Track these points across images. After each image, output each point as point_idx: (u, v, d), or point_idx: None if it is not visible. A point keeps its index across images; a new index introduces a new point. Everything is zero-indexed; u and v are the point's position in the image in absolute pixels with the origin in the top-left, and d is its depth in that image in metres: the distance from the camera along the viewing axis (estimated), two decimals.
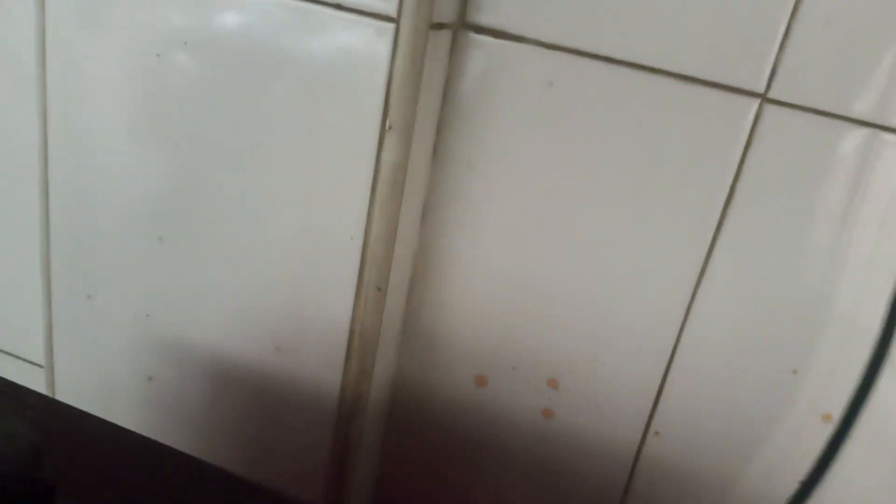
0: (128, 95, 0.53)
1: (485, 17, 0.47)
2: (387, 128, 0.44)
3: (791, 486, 0.52)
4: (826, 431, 0.50)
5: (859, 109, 0.43)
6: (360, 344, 0.52)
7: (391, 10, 0.43)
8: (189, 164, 0.53)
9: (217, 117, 0.51)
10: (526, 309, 0.53)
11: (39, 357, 0.65)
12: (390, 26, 0.43)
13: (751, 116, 0.44)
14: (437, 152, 0.51)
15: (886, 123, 0.43)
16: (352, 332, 0.52)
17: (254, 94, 0.49)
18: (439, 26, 0.45)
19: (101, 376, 0.63)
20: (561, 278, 0.52)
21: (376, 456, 0.62)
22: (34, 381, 0.66)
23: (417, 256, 0.54)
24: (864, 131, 0.43)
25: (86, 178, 0.57)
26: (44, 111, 0.56)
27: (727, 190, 0.46)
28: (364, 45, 0.44)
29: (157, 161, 0.54)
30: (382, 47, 0.44)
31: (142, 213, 0.56)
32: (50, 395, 0.66)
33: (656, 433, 0.54)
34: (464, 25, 0.48)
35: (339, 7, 0.44)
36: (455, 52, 0.48)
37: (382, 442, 0.61)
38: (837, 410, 0.49)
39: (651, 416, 0.53)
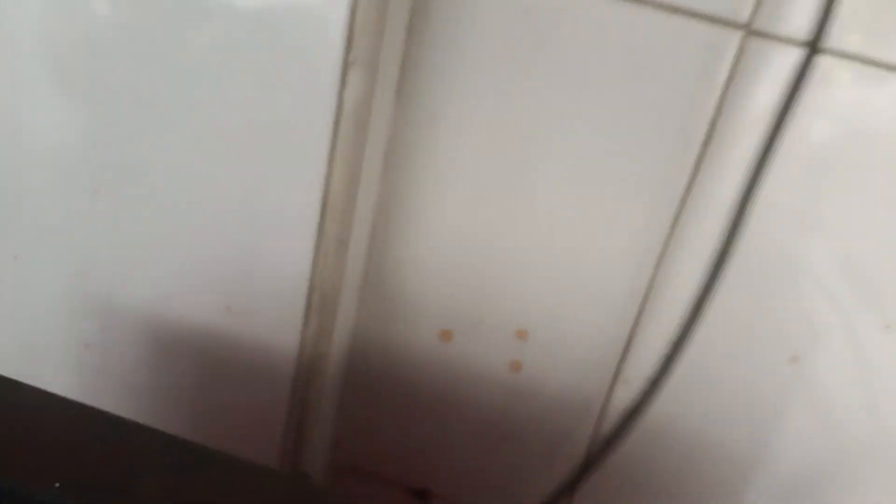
0: (47, 33, 0.48)
1: None
2: (350, 62, 0.40)
3: (755, 429, 0.52)
4: (793, 372, 0.50)
5: (848, 42, 0.41)
6: (319, 301, 0.50)
7: None
8: (124, 108, 0.49)
9: (152, 55, 0.47)
10: (494, 260, 0.52)
11: None
12: None
13: (733, 49, 0.43)
14: (401, 93, 0.48)
15: (873, 57, 0.41)
16: (311, 289, 0.50)
17: (199, 25, 0.45)
18: None
19: (32, 344, 0.60)
20: (530, 226, 0.50)
21: (333, 417, 0.60)
22: None
23: (379, 207, 0.52)
24: (852, 65, 0.42)
25: (6, 128, 0.52)
26: None
27: (706, 130, 0.45)
28: None
29: (87, 107, 0.50)
30: None
31: (73, 166, 0.52)
32: None
33: (625, 381, 0.53)
34: None
35: None
36: None
37: (339, 402, 0.59)
38: (804, 352, 0.49)
39: (620, 364, 0.53)
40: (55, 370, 0.60)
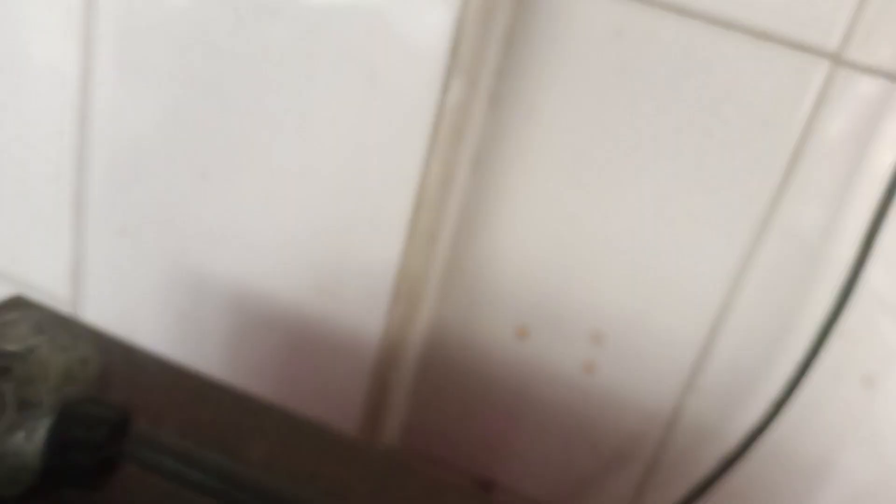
0: (172, 27, 0.52)
1: None
2: (454, 70, 0.43)
3: (825, 446, 0.52)
4: (864, 393, 0.50)
5: None
6: (406, 290, 0.52)
7: None
8: (238, 102, 0.52)
9: (262, 52, 0.50)
10: (574, 261, 0.53)
11: (66, 294, 0.65)
12: None
13: (821, 78, 0.43)
14: (496, 97, 0.50)
15: None
16: (399, 278, 0.52)
17: (312, 24, 0.48)
18: None
19: (131, 315, 0.64)
20: (613, 231, 0.51)
21: (408, 403, 0.62)
22: None
23: (467, 204, 0.54)
24: None
25: (129, 112, 0.56)
26: (88, 39, 0.55)
27: (790, 154, 0.45)
28: None
29: (203, 98, 0.53)
30: None
31: (185, 150, 0.55)
32: None
33: (696, 391, 0.53)
34: None
35: None
36: None
37: (414, 389, 0.61)
38: (877, 372, 0.49)
39: (693, 373, 0.53)
40: (152, 337, 0.63)
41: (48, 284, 0.66)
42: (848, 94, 0.43)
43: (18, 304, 0.41)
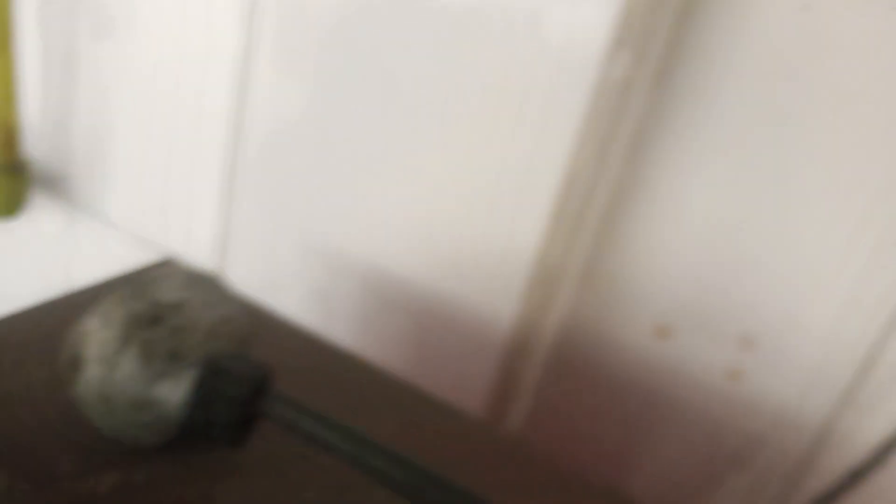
0: (327, 22, 0.52)
1: None
2: (619, 43, 0.41)
3: None
4: None
5: None
6: (545, 277, 0.51)
7: None
8: (380, 87, 0.52)
9: (413, 37, 0.49)
10: (728, 259, 0.50)
11: (211, 264, 0.68)
12: None
13: None
14: (663, 74, 0.47)
15: None
16: (538, 264, 0.50)
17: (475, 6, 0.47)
18: None
19: (270, 288, 0.65)
20: (774, 229, 0.48)
21: (533, 395, 0.60)
22: None
23: (618, 188, 0.51)
24: None
25: (282, 98, 0.57)
26: (251, 28, 0.56)
27: None
28: None
29: (347, 86, 0.53)
30: None
31: (330, 134, 0.56)
32: None
33: (855, 407, 0.49)
34: None
35: None
36: None
37: (542, 380, 0.60)
38: None
39: (852, 388, 0.49)
40: (288, 310, 0.64)
41: (194, 254, 0.68)
42: None
43: (170, 264, 0.42)
